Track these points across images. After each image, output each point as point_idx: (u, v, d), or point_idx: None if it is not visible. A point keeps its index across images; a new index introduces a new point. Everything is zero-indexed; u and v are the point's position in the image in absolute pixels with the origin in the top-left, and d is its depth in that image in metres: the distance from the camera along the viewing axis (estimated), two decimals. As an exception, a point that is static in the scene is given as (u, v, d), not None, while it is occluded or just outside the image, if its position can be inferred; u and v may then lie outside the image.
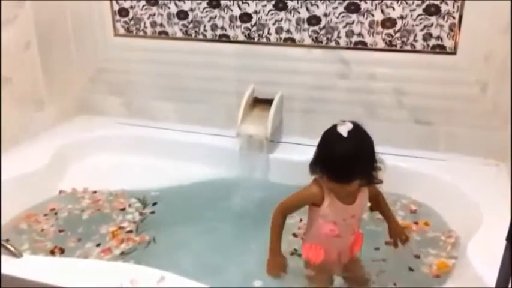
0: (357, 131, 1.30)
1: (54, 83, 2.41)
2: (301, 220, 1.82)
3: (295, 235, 1.78)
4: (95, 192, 2.14)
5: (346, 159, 1.26)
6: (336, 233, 1.39)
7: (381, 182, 1.41)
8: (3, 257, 1.43)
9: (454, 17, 1.96)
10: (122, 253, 1.74)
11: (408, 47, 2.05)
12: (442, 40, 2.00)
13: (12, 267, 1.41)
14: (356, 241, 1.48)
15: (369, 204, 1.55)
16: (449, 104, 2.07)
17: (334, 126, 1.30)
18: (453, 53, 2.00)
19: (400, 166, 2.06)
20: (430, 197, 1.98)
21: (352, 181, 1.29)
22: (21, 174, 2.00)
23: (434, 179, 1.99)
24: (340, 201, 1.36)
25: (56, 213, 1.98)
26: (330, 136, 1.30)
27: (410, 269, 1.66)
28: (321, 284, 1.49)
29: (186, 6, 2.28)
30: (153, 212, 2.01)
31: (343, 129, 1.27)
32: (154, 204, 2.06)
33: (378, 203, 1.53)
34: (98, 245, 1.79)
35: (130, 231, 1.87)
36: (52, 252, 1.73)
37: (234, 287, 1.58)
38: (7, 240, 1.74)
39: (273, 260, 1.42)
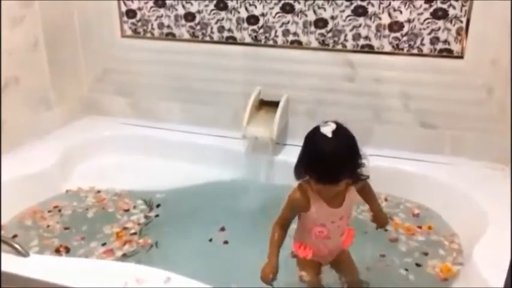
0: (341, 130, 1.28)
1: (61, 83, 2.43)
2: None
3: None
4: (99, 191, 2.15)
5: (334, 159, 1.25)
6: (325, 234, 1.39)
7: (367, 177, 1.39)
8: (10, 255, 1.44)
9: (461, 21, 1.96)
10: (124, 255, 1.74)
11: (415, 51, 2.05)
12: (449, 44, 2.00)
13: (19, 266, 1.41)
14: (347, 237, 1.47)
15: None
16: (456, 108, 2.06)
17: (317, 128, 1.29)
18: (460, 57, 2.00)
19: (405, 169, 2.07)
20: (435, 201, 1.98)
21: (340, 181, 1.28)
22: (28, 173, 2.01)
23: (439, 183, 1.99)
24: (327, 205, 1.35)
25: (59, 210, 2.00)
26: (315, 138, 1.29)
27: (418, 265, 1.70)
28: (310, 273, 1.49)
29: (193, 8, 2.29)
30: (157, 215, 2.00)
31: (327, 130, 1.26)
32: (158, 206, 2.06)
33: (365, 194, 1.52)
34: (104, 244, 1.80)
35: (134, 234, 1.87)
36: (58, 251, 1.74)
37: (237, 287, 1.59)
38: (15, 237, 1.77)
39: (266, 268, 1.41)
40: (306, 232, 1.42)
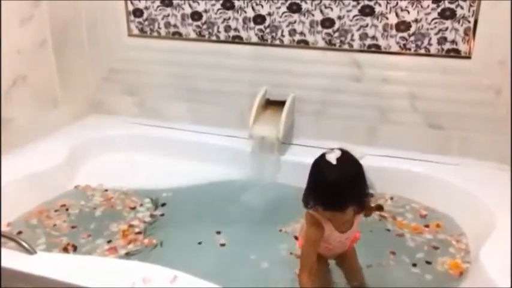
0: (346, 157, 1.29)
1: (68, 82, 2.44)
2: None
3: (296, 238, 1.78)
4: (106, 190, 2.16)
5: (338, 186, 1.26)
6: (330, 248, 1.44)
7: (371, 208, 1.43)
8: (17, 253, 1.45)
9: (469, 21, 1.95)
10: (127, 253, 1.74)
11: (422, 51, 2.04)
12: (456, 44, 1.99)
13: (26, 263, 1.42)
14: (351, 241, 1.49)
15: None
16: (463, 109, 2.05)
17: (323, 155, 1.30)
18: (468, 57, 1.99)
19: (412, 170, 2.07)
20: (442, 201, 1.97)
21: (347, 208, 1.29)
22: (35, 171, 2.02)
23: (447, 184, 1.98)
24: (337, 231, 1.38)
25: (67, 209, 2.00)
26: (320, 165, 1.30)
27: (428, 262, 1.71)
28: (319, 267, 1.50)
29: (200, 8, 2.29)
30: (162, 215, 2.00)
31: (332, 157, 1.27)
32: (163, 205, 2.06)
33: None
34: (109, 241, 1.81)
35: (139, 233, 1.87)
36: (65, 249, 1.75)
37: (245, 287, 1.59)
38: (20, 234, 1.77)
39: None
40: None
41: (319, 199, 1.29)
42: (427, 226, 1.89)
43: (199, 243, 1.81)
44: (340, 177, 1.26)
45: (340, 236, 1.40)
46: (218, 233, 1.87)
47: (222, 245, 1.81)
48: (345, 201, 1.28)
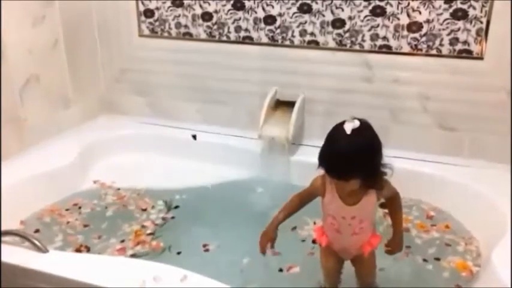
0: (362, 130, 1.28)
1: (80, 82, 2.46)
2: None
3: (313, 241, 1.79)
4: (118, 189, 2.18)
5: (341, 156, 1.25)
6: (336, 227, 1.41)
7: (381, 188, 1.37)
8: (30, 251, 1.46)
9: (481, 22, 1.93)
10: (134, 255, 1.75)
11: (434, 52, 2.03)
12: (468, 45, 1.98)
13: (38, 262, 1.43)
14: (369, 242, 1.46)
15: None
16: (475, 110, 2.04)
17: (343, 122, 1.29)
18: (480, 58, 1.98)
19: (422, 171, 2.06)
20: (453, 203, 1.96)
21: (347, 179, 1.28)
22: (46, 171, 2.04)
23: (457, 185, 1.97)
24: (340, 200, 1.37)
25: (79, 208, 2.03)
26: (335, 131, 1.31)
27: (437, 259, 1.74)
28: (326, 264, 1.53)
29: (210, 8, 2.30)
30: (173, 217, 2.00)
31: (348, 127, 1.26)
32: (176, 207, 2.06)
33: (392, 208, 1.50)
34: (122, 241, 1.83)
35: (151, 234, 1.88)
36: (78, 250, 1.76)
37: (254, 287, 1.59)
38: (37, 232, 1.80)
39: (265, 231, 1.47)
40: (323, 219, 1.47)
41: (324, 163, 1.30)
42: (434, 225, 1.90)
43: (209, 247, 1.82)
44: (348, 147, 1.25)
45: (344, 208, 1.37)
46: (228, 237, 1.86)
47: (232, 248, 1.81)
48: (347, 172, 1.27)
